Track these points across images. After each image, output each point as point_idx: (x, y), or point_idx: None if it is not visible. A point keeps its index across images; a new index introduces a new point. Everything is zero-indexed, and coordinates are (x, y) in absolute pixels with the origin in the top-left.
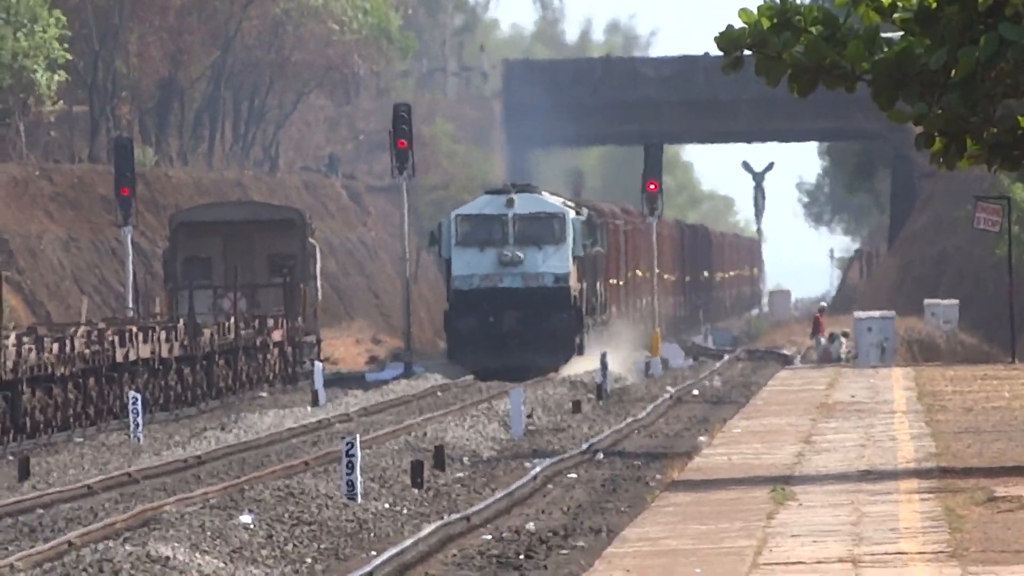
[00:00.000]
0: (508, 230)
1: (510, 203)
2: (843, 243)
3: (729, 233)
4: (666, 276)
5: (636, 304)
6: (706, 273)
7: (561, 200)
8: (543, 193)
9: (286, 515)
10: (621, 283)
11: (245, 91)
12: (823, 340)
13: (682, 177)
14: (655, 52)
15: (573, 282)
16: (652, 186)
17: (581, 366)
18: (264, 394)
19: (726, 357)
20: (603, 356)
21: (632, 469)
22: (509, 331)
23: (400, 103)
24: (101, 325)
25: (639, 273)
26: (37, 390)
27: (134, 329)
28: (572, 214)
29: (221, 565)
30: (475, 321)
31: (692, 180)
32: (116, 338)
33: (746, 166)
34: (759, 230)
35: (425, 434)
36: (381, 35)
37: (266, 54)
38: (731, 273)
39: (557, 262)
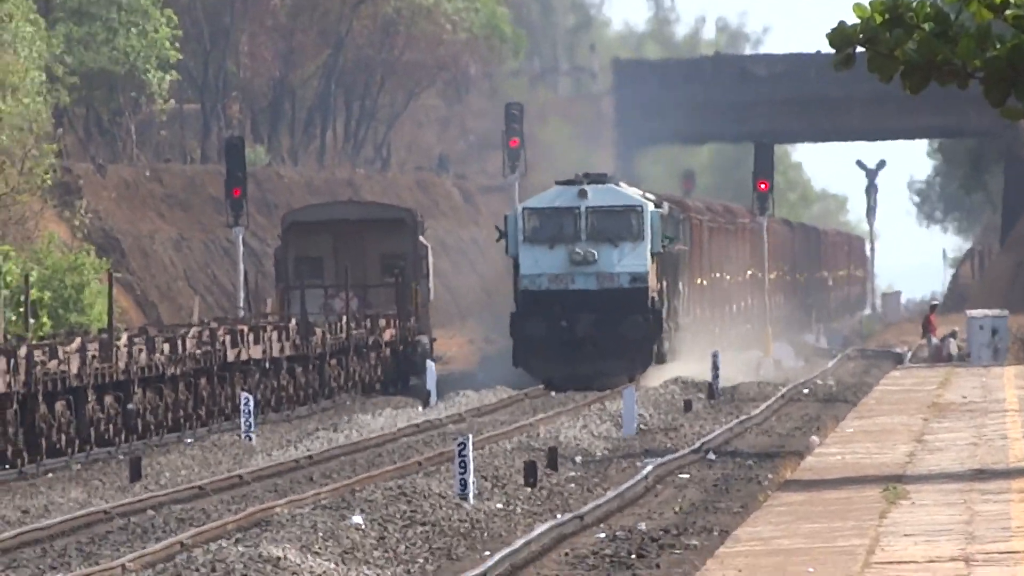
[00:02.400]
0: (580, 225)
1: (583, 195)
2: (955, 242)
3: (832, 231)
4: (773, 276)
5: (726, 307)
6: (815, 273)
7: (640, 192)
8: (620, 184)
9: (398, 515)
10: (706, 283)
11: (356, 90)
12: (935, 339)
13: (793, 176)
14: (766, 50)
15: (652, 282)
16: (763, 185)
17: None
18: (381, 393)
19: (838, 356)
20: (714, 355)
21: (744, 469)
22: (582, 337)
23: (512, 102)
24: (213, 325)
25: (725, 275)
26: (148, 390)
27: (245, 329)
28: (651, 207)
29: (332, 566)
30: (544, 325)
31: (803, 179)
32: (227, 338)
33: (860, 164)
34: (871, 229)
35: (538, 433)
36: (493, 33)
37: (377, 53)
38: (840, 273)
39: (634, 260)
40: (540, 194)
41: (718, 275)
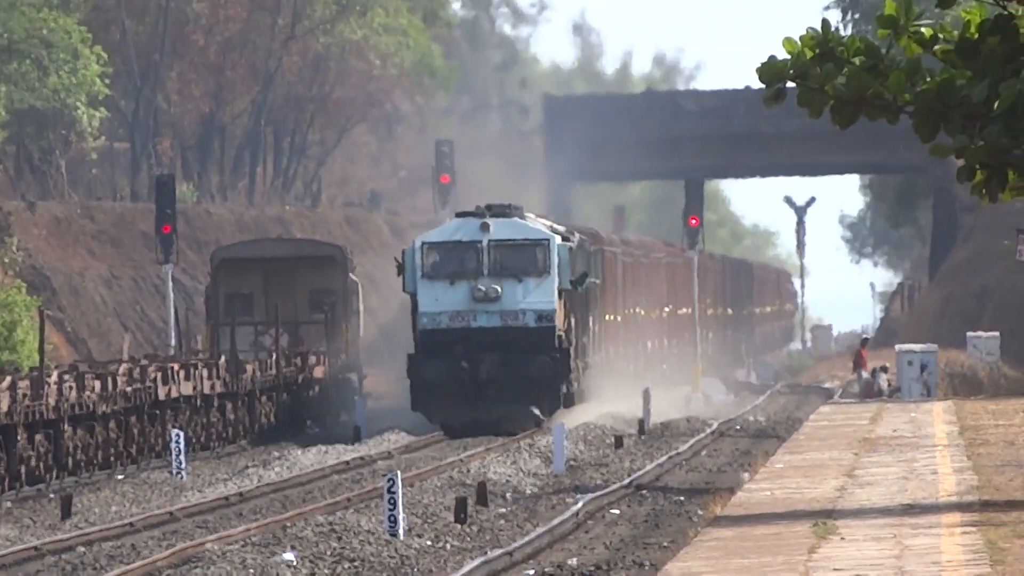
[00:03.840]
0: (483, 259)
1: (485, 228)
2: (885, 277)
3: (758, 265)
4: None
5: (642, 344)
6: (744, 307)
7: (547, 224)
8: (526, 216)
9: (328, 552)
10: (619, 319)
11: (286, 127)
12: (865, 374)
13: (723, 211)
14: (699, 85)
15: (559, 320)
16: (693, 221)
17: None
18: (310, 430)
19: (768, 392)
20: (646, 391)
21: (675, 504)
22: (484, 378)
23: (442, 139)
24: (143, 362)
25: (640, 310)
26: (79, 428)
27: (176, 366)
28: (558, 240)
29: None
30: (444, 367)
31: (731, 215)
32: (158, 375)
33: (788, 201)
34: (801, 264)
35: (468, 470)
36: (424, 70)
37: (307, 90)
38: (768, 308)
39: (540, 297)
40: (439, 227)
41: (633, 311)
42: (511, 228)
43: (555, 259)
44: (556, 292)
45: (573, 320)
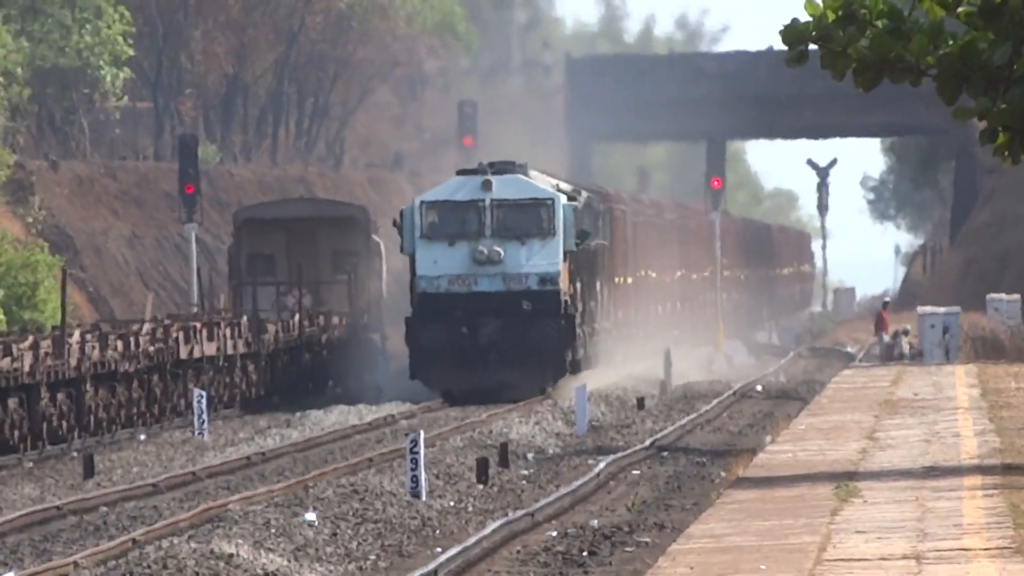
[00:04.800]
0: (484, 220)
1: (487, 186)
2: (907, 239)
3: (776, 227)
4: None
5: (652, 308)
6: (765, 269)
7: (553, 182)
8: (530, 174)
9: (350, 512)
10: (629, 281)
11: (309, 87)
12: (886, 337)
13: (744, 173)
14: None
15: (564, 283)
16: (716, 182)
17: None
18: (333, 390)
19: (790, 355)
20: (667, 352)
21: (696, 466)
22: (485, 344)
23: (465, 100)
24: (166, 322)
25: (652, 272)
26: (101, 388)
27: (199, 325)
28: (564, 199)
29: (285, 563)
30: (444, 332)
31: (753, 177)
32: (180, 335)
33: (810, 163)
34: (823, 227)
35: (490, 431)
36: (446, 30)
37: (331, 49)
38: (787, 270)
39: (544, 259)
40: (439, 185)
41: (645, 273)
42: (514, 186)
43: (560, 219)
44: (561, 254)
45: (579, 283)
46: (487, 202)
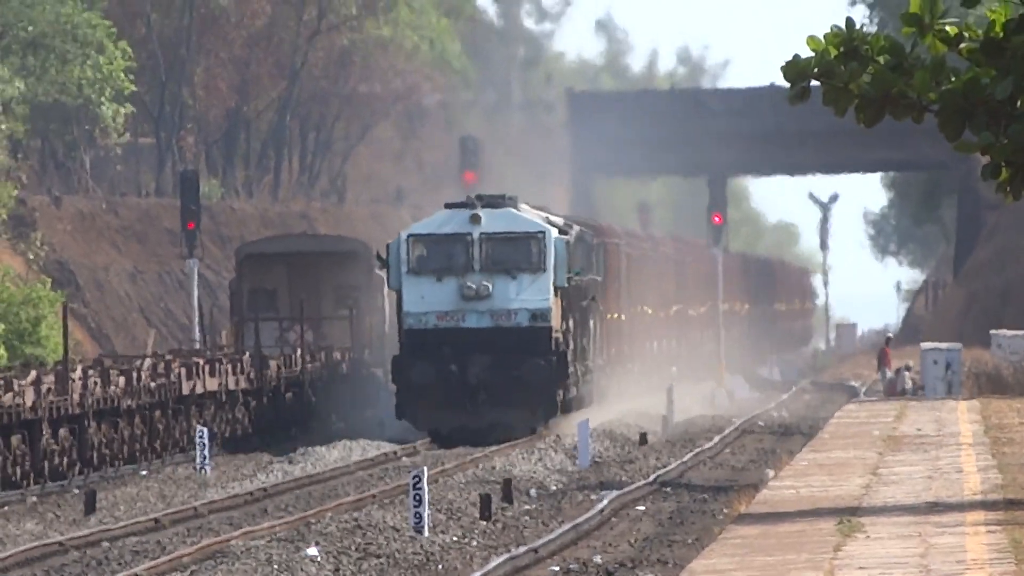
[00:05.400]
0: (473, 254)
1: (475, 220)
2: (909, 275)
3: (777, 261)
4: (719, 308)
5: (648, 345)
6: (767, 305)
7: (543, 216)
8: (520, 207)
9: (353, 548)
10: (623, 317)
11: (311, 122)
12: (889, 373)
13: (746, 209)
14: (724, 84)
15: (555, 320)
16: (717, 218)
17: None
18: (335, 425)
19: (793, 389)
20: (669, 388)
21: (699, 502)
22: (474, 383)
23: (467, 136)
24: (168, 357)
25: (646, 308)
26: (103, 423)
27: (201, 361)
28: (555, 233)
29: None
30: (431, 370)
31: (754, 212)
32: (183, 370)
33: (812, 198)
34: (824, 262)
35: (493, 467)
36: (443, 64)
37: (332, 85)
38: (785, 306)
39: (535, 295)
40: (427, 219)
41: (640, 309)
42: (504, 220)
43: (551, 253)
44: (552, 289)
45: (571, 320)
46: (475, 235)
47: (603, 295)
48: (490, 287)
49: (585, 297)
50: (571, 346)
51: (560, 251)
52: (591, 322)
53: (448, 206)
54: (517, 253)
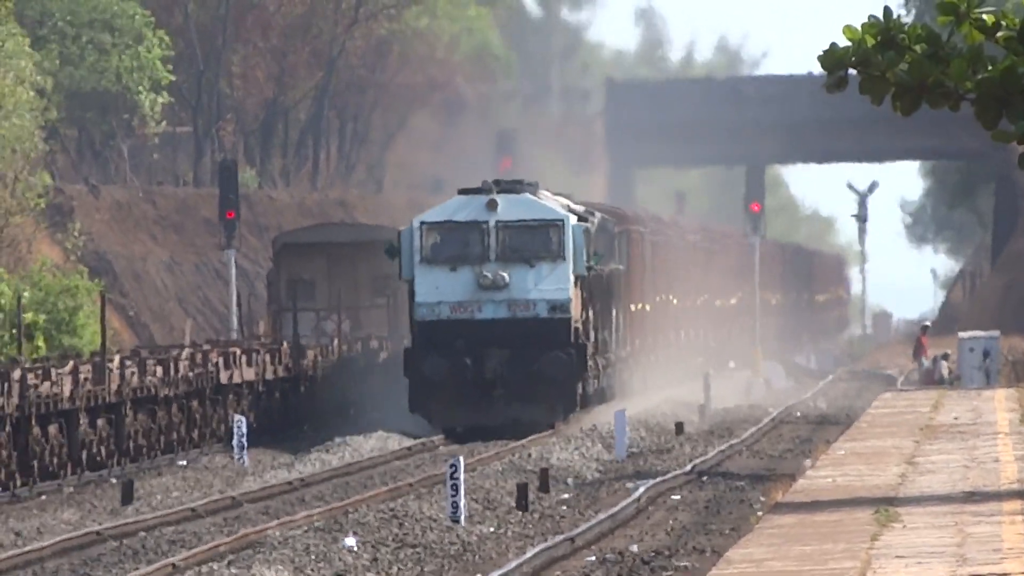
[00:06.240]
0: (489, 242)
1: (492, 206)
2: (946, 264)
3: (812, 250)
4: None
5: (674, 336)
6: (803, 294)
7: (564, 202)
8: (540, 193)
9: (390, 538)
10: (647, 308)
11: (349, 112)
12: (926, 361)
13: (784, 197)
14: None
15: (575, 311)
16: (755, 207)
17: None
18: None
19: (830, 377)
20: (706, 376)
21: (735, 491)
22: (490, 377)
23: (504, 129)
24: (205, 347)
25: (672, 298)
26: (140, 413)
27: (238, 351)
28: (574, 220)
29: None
30: (445, 363)
31: (792, 201)
32: (220, 360)
33: (850, 187)
34: (863, 251)
35: (530, 455)
36: (485, 55)
37: (370, 75)
38: (822, 296)
39: (554, 284)
40: (440, 205)
41: (666, 299)
42: (521, 207)
43: (570, 241)
44: (571, 279)
45: (592, 310)
46: (492, 223)
47: (626, 284)
48: (507, 277)
49: (607, 287)
50: (592, 338)
51: (580, 239)
52: (613, 312)
53: (463, 192)
54: (535, 241)
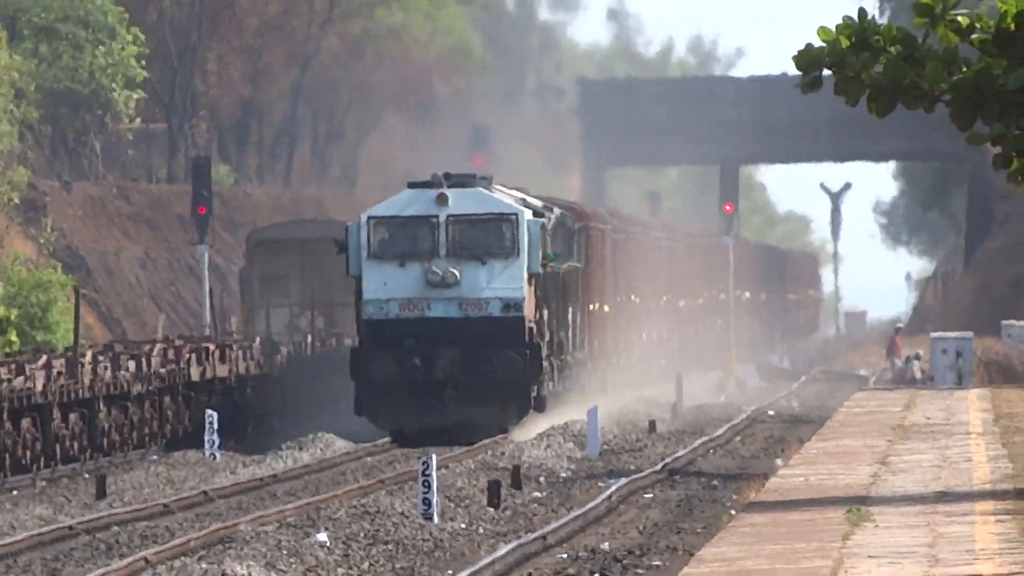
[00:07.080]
0: (439, 238)
1: (442, 200)
2: (919, 264)
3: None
4: (721, 296)
5: (635, 336)
6: (776, 293)
7: (519, 197)
8: (494, 187)
9: (362, 534)
10: (606, 309)
11: (323, 110)
12: (899, 361)
13: (758, 198)
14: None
15: (529, 310)
16: (728, 207)
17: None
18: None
19: (803, 378)
20: (678, 376)
21: (708, 489)
22: (440, 378)
23: (478, 124)
24: (178, 343)
25: (634, 298)
26: (113, 408)
27: (211, 347)
28: (529, 215)
29: None
30: (393, 364)
31: (766, 201)
32: (192, 356)
33: (823, 188)
34: (836, 251)
35: (502, 453)
36: (462, 54)
37: (345, 73)
38: (791, 296)
39: (507, 282)
40: (390, 199)
41: (627, 299)
42: (473, 201)
43: (524, 237)
44: (526, 276)
45: (547, 309)
46: (442, 218)
47: (585, 283)
48: (458, 274)
49: (564, 285)
50: (547, 338)
51: (535, 235)
52: (570, 312)
53: (412, 185)
54: (488, 236)
